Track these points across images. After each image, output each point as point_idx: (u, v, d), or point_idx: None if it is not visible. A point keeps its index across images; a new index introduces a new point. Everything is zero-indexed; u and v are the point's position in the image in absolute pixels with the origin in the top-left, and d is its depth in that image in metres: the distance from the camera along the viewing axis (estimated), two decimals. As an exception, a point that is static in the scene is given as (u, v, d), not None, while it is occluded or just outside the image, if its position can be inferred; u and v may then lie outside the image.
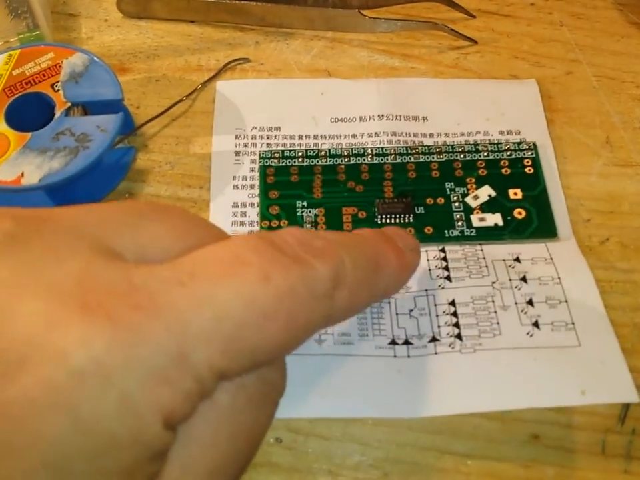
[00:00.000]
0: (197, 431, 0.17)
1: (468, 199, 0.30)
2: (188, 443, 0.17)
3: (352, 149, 0.32)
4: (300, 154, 0.32)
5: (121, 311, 0.15)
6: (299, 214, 0.30)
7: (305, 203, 0.30)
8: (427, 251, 0.29)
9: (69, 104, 0.30)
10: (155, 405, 0.15)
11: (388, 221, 0.30)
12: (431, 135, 0.33)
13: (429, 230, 0.29)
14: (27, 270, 0.15)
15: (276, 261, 0.18)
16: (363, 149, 0.32)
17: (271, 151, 0.32)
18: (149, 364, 0.15)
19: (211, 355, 0.16)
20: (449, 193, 0.31)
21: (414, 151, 0.32)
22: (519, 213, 0.30)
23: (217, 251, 0.18)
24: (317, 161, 0.32)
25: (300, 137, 0.33)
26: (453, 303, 0.27)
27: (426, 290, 0.28)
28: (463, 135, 0.33)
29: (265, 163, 0.32)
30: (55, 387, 0.14)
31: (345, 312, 0.20)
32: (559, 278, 0.28)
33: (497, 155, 0.32)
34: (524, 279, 0.28)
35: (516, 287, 0.28)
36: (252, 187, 0.31)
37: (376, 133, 0.33)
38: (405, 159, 0.32)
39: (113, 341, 0.14)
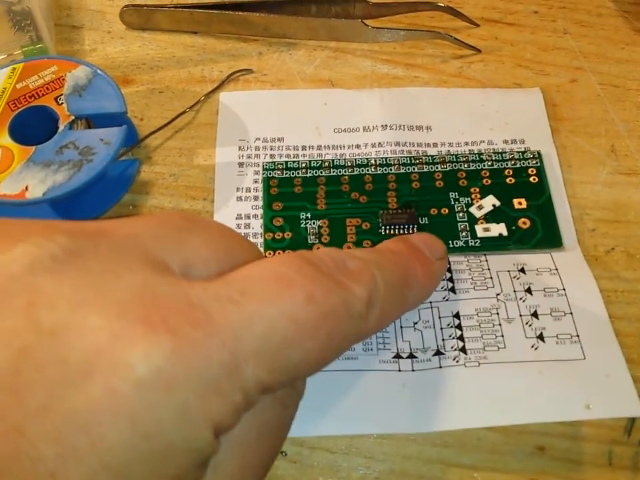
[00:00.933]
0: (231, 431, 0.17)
1: (472, 209, 0.30)
2: (222, 442, 0.17)
3: (355, 159, 0.32)
4: (303, 165, 0.32)
5: (181, 326, 0.16)
6: (302, 225, 0.30)
7: (308, 215, 0.30)
8: (431, 262, 0.29)
9: (73, 117, 0.30)
10: (208, 414, 0.16)
11: (392, 232, 0.30)
12: (435, 145, 0.33)
13: (433, 241, 0.29)
14: (88, 285, 0.16)
15: (318, 281, 0.19)
16: (367, 159, 0.32)
17: (275, 162, 0.32)
18: (206, 377, 0.16)
19: (258, 371, 0.17)
20: (453, 203, 0.31)
21: (418, 161, 0.32)
22: (524, 223, 0.30)
23: (264, 270, 0.18)
24: (321, 172, 0.32)
25: (303, 148, 0.33)
26: (457, 316, 0.27)
27: (430, 302, 0.28)
28: (466, 144, 0.33)
29: (269, 175, 0.32)
30: (119, 395, 0.15)
31: (376, 329, 0.22)
32: (564, 289, 0.28)
33: (501, 165, 0.32)
34: (529, 291, 0.28)
35: (520, 299, 0.27)
36: (255, 198, 0.31)
37: (379, 143, 0.33)
38: (408, 169, 0.32)
39: (174, 354, 0.15)
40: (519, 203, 0.30)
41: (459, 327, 0.27)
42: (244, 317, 0.17)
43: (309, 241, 0.30)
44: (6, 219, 0.19)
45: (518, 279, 0.28)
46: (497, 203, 0.30)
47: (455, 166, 0.32)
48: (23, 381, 0.15)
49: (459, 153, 0.32)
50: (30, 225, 0.18)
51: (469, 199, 0.31)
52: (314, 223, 0.30)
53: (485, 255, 0.29)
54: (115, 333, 0.15)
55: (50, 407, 0.15)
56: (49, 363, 0.15)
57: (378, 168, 0.32)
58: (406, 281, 0.23)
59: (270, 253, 0.29)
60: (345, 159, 0.32)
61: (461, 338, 0.27)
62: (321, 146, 0.33)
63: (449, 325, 0.27)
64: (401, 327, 0.27)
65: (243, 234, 0.30)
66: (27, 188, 0.28)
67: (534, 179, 0.31)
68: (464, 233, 0.30)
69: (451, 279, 0.28)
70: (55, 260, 0.16)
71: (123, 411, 0.15)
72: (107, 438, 0.15)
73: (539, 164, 0.32)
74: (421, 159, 0.32)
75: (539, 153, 0.32)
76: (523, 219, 0.30)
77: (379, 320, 0.21)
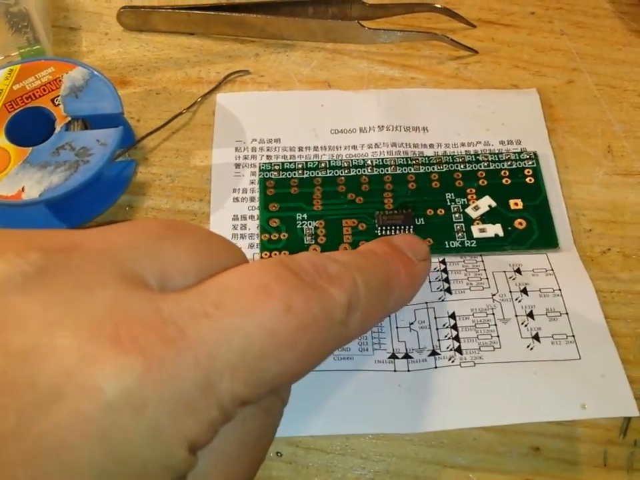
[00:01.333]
0: (211, 443, 0.17)
1: (468, 210, 0.30)
2: (200, 455, 0.17)
3: (352, 160, 0.32)
4: (300, 166, 0.32)
5: (152, 345, 0.15)
6: (299, 226, 0.30)
7: (305, 215, 0.30)
8: (427, 262, 0.29)
9: (69, 118, 0.30)
10: (182, 433, 0.15)
11: (388, 232, 0.30)
12: (431, 146, 0.33)
13: (429, 241, 0.29)
14: (59, 304, 0.16)
15: (297, 289, 0.18)
16: (363, 160, 0.32)
17: (271, 163, 0.32)
18: (178, 395, 0.15)
19: (234, 386, 0.16)
20: (449, 203, 0.31)
21: (414, 162, 0.32)
22: (520, 224, 0.30)
23: (240, 279, 0.18)
24: (317, 173, 0.32)
25: (300, 149, 0.33)
26: (453, 316, 0.27)
27: (426, 302, 0.28)
28: (463, 145, 0.33)
29: (265, 175, 0.32)
30: (88, 418, 0.14)
31: (358, 333, 0.21)
32: (560, 289, 0.28)
33: (498, 165, 0.32)
34: (524, 291, 0.28)
35: (516, 299, 0.27)
36: (252, 199, 0.31)
37: (376, 144, 0.33)
38: (405, 169, 0.32)
39: (145, 374, 0.15)
40: (515, 204, 0.30)
41: (455, 327, 0.27)
42: (219, 331, 0.16)
43: (305, 242, 0.30)
44: None
45: (514, 279, 0.28)
46: (493, 204, 0.30)
47: (451, 167, 0.32)
48: None
49: (455, 153, 0.32)
50: (1, 239, 0.18)
51: (465, 199, 0.31)
52: (310, 224, 0.30)
53: (480, 255, 0.29)
54: (84, 353, 0.15)
55: (21, 430, 0.14)
56: (19, 385, 0.15)
57: (374, 169, 0.32)
58: (388, 284, 0.22)
59: (266, 254, 0.29)
60: (341, 160, 0.32)
61: (457, 338, 0.27)
62: (317, 147, 0.33)
63: (444, 325, 0.27)
64: (397, 327, 0.27)
65: (239, 235, 0.30)
66: (23, 189, 0.28)
67: (530, 180, 0.31)
68: (460, 234, 0.30)
69: (446, 280, 0.28)
70: (25, 278, 0.16)
71: (93, 433, 0.14)
72: (79, 461, 0.14)
73: (535, 165, 0.32)
74: (417, 159, 0.32)
75: (535, 154, 0.32)
76: (519, 220, 0.30)
77: (361, 324, 0.20)
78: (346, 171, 0.32)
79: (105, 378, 0.15)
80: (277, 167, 0.32)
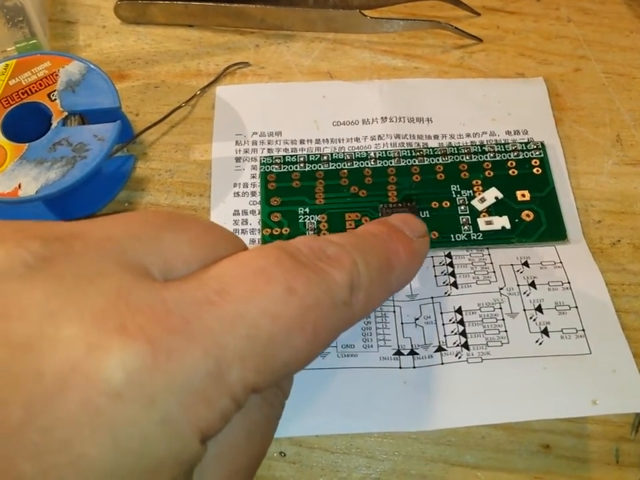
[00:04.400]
0: (218, 434, 0.17)
1: (474, 202, 0.30)
2: (209, 446, 0.17)
3: (354, 152, 0.31)
4: (301, 159, 0.31)
5: (160, 335, 0.15)
6: (300, 221, 0.29)
7: (307, 210, 0.30)
8: (432, 256, 0.28)
9: (66, 113, 0.30)
10: (194, 423, 0.15)
11: (392, 226, 0.29)
12: (436, 137, 0.32)
13: (434, 234, 0.29)
14: (62, 294, 0.15)
15: (298, 272, 0.18)
16: (366, 152, 0.31)
17: (272, 156, 0.31)
18: (189, 386, 0.15)
19: (246, 373, 0.16)
20: (454, 195, 0.30)
21: (418, 154, 0.31)
22: (527, 215, 0.29)
23: (241, 266, 0.18)
24: (319, 166, 0.31)
25: (301, 142, 0.32)
26: (459, 311, 0.27)
27: (432, 297, 0.27)
28: (468, 135, 0.32)
29: (266, 169, 0.31)
30: (97, 409, 0.14)
31: (363, 313, 0.21)
32: (569, 282, 0.27)
33: (504, 156, 0.31)
34: (533, 284, 0.27)
35: (524, 293, 0.27)
36: (253, 193, 0.31)
37: (379, 136, 0.32)
38: (409, 161, 0.31)
39: (154, 364, 0.15)
40: (522, 195, 0.30)
41: (461, 322, 0.26)
42: (225, 319, 0.16)
43: (308, 237, 0.29)
44: None
45: (521, 272, 0.27)
46: (500, 195, 0.30)
47: (457, 158, 0.31)
48: None
49: (460, 144, 0.32)
50: (1, 229, 0.17)
51: (470, 191, 0.30)
52: (312, 218, 0.30)
53: (487, 248, 0.29)
54: (90, 343, 0.14)
55: (27, 423, 0.14)
56: (24, 378, 0.14)
57: (377, 161, 0.31)
58: (388, 262, 0.22)
59: (268, 249, 0.29)
60: (343, 153, 0.32)
61: (463, 333, 0.26)
62: (319, 139, 0.32)
63: (450, 320, 0.26)
64: (402, 322, 0.27)
65: (240, 230, 0.30)
66: (19, 186, 0.28)
67: (537, 170, 0.30)
68: (466, 227, 0.29)
69: (452, 274, 0.28)
70: (26, 267, 0.15)
71: (102, 426, 0.14)
72: (88, 454, 0.14)
73: (542, 155, 0.31)
74: (422, 151, 0.31)
75: (542, 144, 0.31)
76: (526, 212, 0.29)
77: (365, 305, 0.20)
78: (348, 164, 0.31)
79: (113, 367, 0.14)
80: (278, 161, 0.31)
